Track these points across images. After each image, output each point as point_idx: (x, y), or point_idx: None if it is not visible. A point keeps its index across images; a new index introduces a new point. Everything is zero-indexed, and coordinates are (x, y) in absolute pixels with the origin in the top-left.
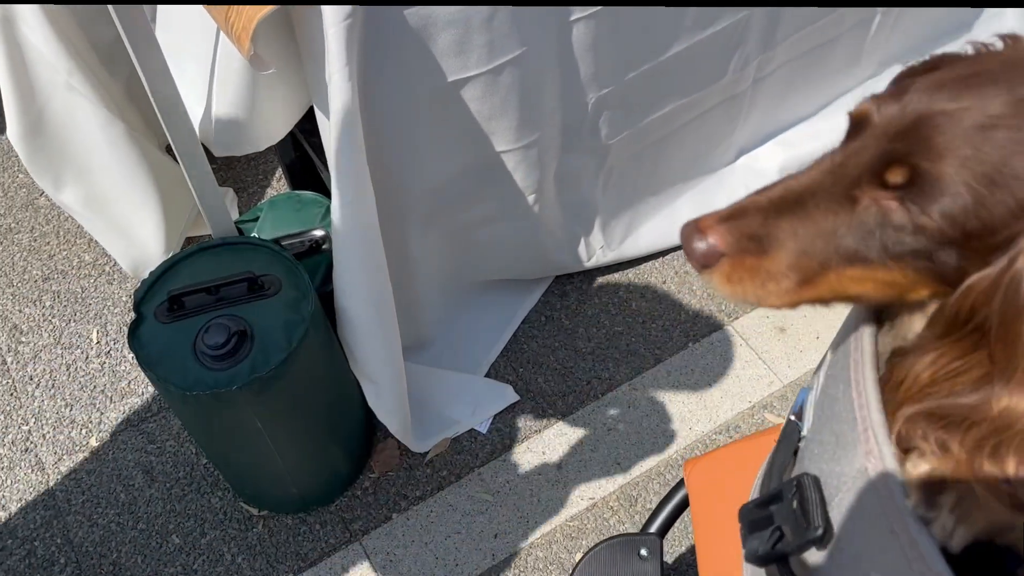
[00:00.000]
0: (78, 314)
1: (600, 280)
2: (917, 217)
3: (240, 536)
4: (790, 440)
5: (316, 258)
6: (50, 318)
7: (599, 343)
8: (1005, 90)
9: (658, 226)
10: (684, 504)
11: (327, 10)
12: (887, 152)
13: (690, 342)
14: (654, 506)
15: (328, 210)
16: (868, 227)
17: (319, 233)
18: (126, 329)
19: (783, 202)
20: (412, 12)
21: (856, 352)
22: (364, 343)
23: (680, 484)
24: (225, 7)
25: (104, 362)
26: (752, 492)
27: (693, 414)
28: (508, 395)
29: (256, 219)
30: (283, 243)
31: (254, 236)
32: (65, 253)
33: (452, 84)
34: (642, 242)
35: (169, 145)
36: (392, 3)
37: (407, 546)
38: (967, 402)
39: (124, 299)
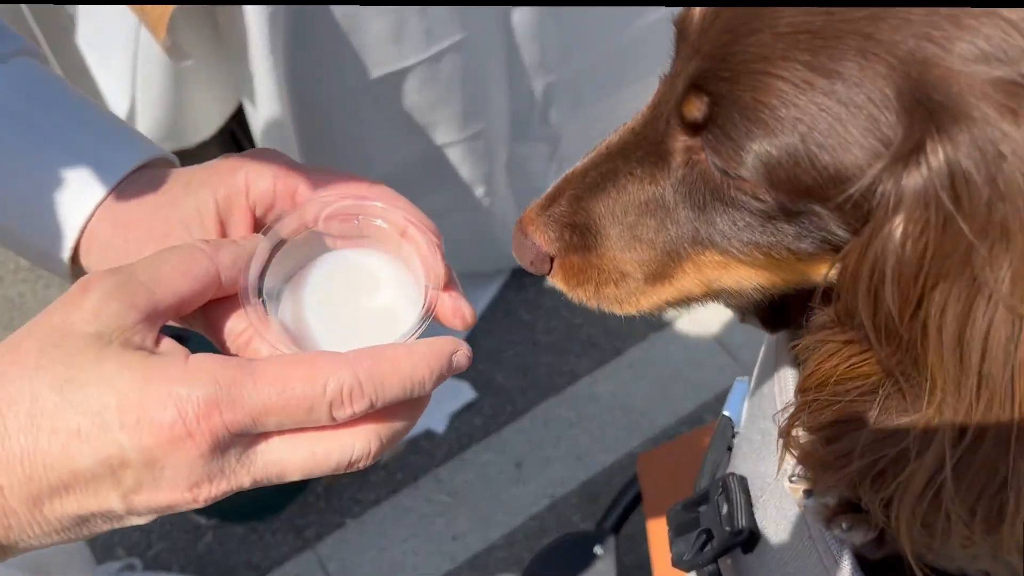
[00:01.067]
0: (15, 320)
1: None
2: (727, 172)
3: (189, 547)
4: (724, 437)
5: None
6: None
7: (559, 336)
8: None
9: None
10: (639, 499)
11: None
12: (691, 75)
13: (651, 332)
14: None
15: None
16: (698, 195)
17: None
18: None
19: (598, 172)
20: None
21: (779, 344)
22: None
23: (634, 479)
24: None
25: None
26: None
27: (655, 406)
28: (465, 392)
29: None
30: None
31: None
32: (1, 257)
33: (389, 75)
34: None
35: None
36: (320, 3)
37: (362, 552)
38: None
39: None
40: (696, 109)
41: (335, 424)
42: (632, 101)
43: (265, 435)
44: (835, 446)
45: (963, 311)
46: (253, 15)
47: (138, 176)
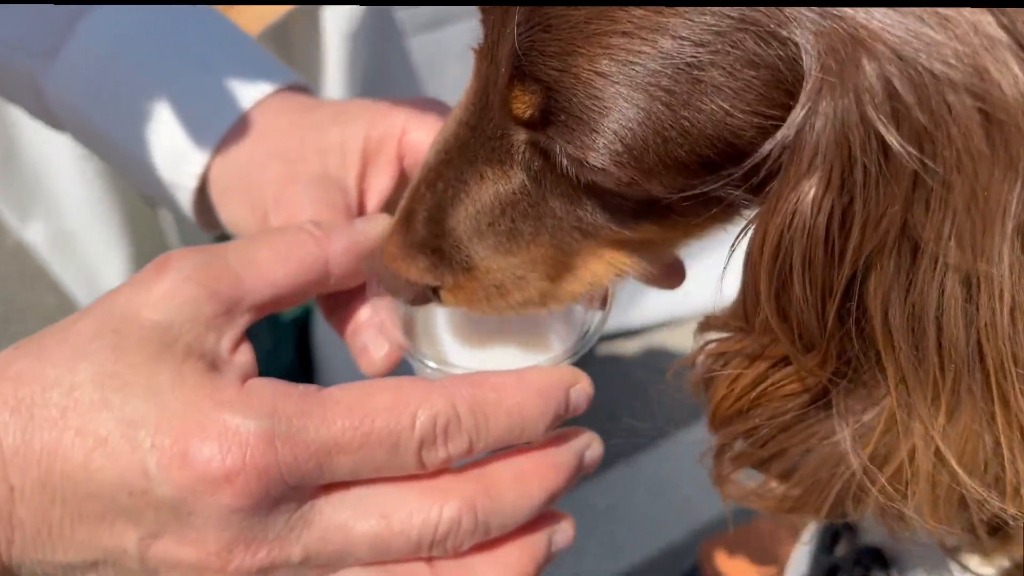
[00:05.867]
0: None
1: (599, 348)
2: (581, 171)
3: None
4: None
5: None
6: None
7: (594, 416)
8: None
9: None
10: None
11: (330, 29)
12: (511, 56)
13: (698, 416)
14: None
15: None
16: (563, 186)
17: None
18: None
19: (445, 181)
20: (421, 44)
21: None
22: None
23: (694, 569)
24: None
25: None
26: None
27: (700, 496)
28: None
29: None
30: None
31: None
32: (27, 295)
33: None
34: (651, 310)
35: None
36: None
37: None
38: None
39: None
40: (527, 106)
41: (423, 473)
42: None
43: (328, 488)
44: (799, 480)
45: (907, 281)
46: (333, 50)
47: (280, 97)
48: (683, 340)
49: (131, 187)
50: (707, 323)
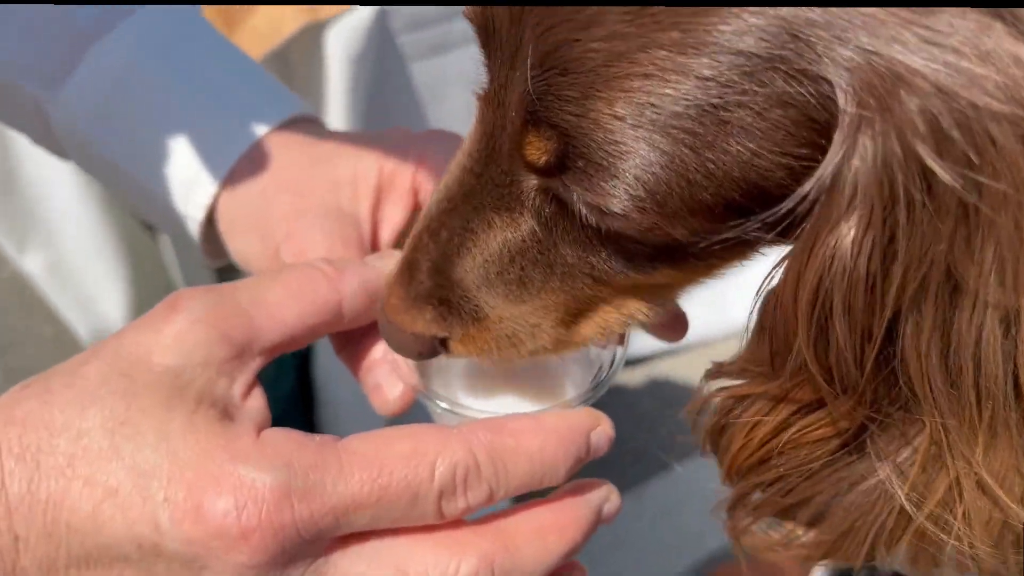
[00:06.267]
0: None
1: None
2: (601, 219)
3: None
4: None
5: None
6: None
7: None
8: None
9: None
10: None
11: (331, 54)
12: (523, 99)
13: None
14: None
15: None
16: (575, 232)
17: None
18: None
19: (450, 230)
20: (422, 69)
21: None
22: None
23: None
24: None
25: None
26: None
27: (708, 526)
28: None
29: None
30: None
31: None
32: (24, 325)
33: None
34: (653, 340)
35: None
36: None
37: None
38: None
39: None
40: (542, 153)
41: (441, 524)
42: None
43: (343, 540)
44: (830, 527)
45: (944, 323)
46: (335, 75)
47: (290, 127)
48: (687, 368)
49: (131, 215)
50: (718, 370)
